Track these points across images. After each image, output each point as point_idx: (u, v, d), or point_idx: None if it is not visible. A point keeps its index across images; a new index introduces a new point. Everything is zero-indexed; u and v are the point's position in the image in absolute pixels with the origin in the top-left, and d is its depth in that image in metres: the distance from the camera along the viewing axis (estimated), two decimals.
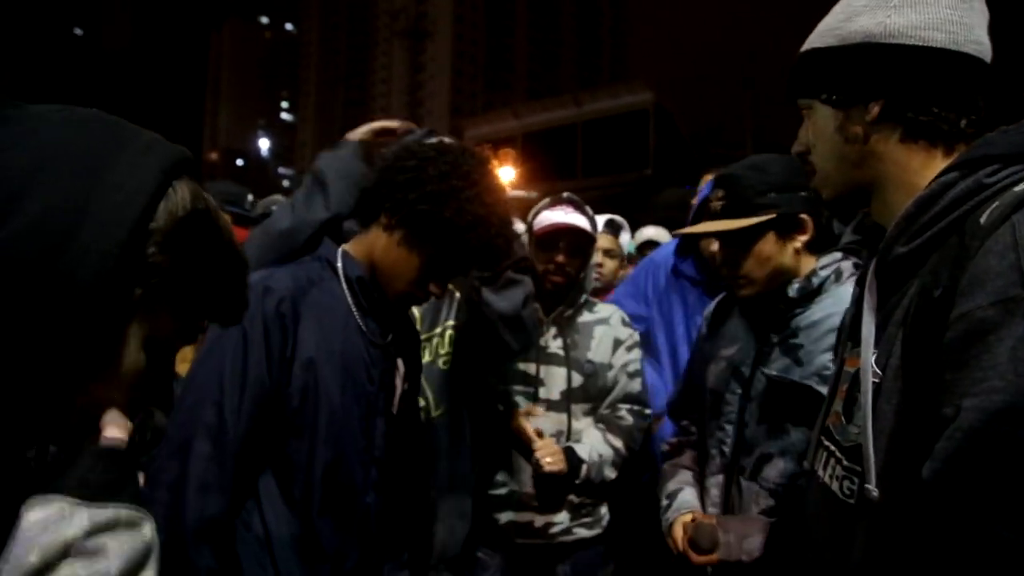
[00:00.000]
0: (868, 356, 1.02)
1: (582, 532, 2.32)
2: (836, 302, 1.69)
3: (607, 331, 2.40)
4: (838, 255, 1.77)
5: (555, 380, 2.33)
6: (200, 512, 1.36)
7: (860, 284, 1.13)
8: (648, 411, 2.43)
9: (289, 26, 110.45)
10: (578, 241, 2.32)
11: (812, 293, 1.74)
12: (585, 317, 2.41)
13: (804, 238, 1.74)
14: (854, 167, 1.10)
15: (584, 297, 2.41)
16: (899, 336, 0.98)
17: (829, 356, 1.60)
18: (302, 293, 1.52)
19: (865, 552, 1.01)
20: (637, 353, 2.45)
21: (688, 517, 1.84)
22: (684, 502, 1.88)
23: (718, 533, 1.72)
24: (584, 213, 2.35)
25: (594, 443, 2.29)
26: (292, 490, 1.48)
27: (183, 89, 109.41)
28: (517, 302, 2.07)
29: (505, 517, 2.28)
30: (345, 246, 1.65)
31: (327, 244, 1.67)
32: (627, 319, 2.48)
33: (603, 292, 3.17)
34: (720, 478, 1.82)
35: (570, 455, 2.23)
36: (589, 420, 2.37)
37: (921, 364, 0.93)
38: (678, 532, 1.82)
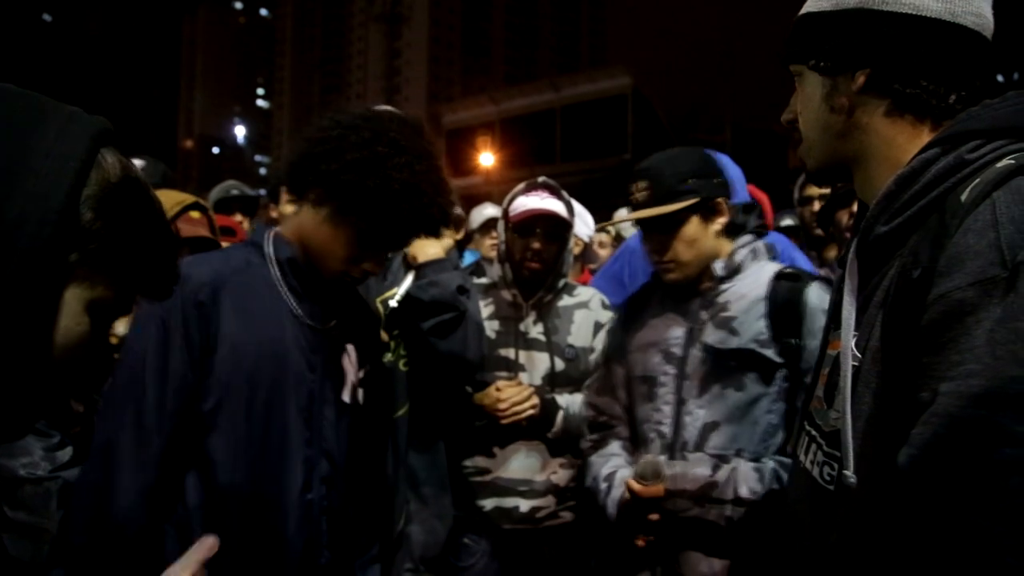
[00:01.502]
0: (848, 339, 1.00)
1: (568, 516, 2.31)
2: (757, 277, 1.86)
3: (587, 315, 2.39)
4: (750, 236, 1.92)
5: (537, 365, 2.31)
6: (124, 516, 1.32)
7: (841, 265, 1.11)
8: None
9: (264, 11, 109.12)
10: (554, 226, 2.30)
11: (735, 270, 1.88)
12: (565, 301, 2.39)
13: (723, 220, 1.88)
14: (838, 138, 1.07)
15: (563, 281, 2.39)
16: (879, 318, 0.96)
17: (763, 323, 1.78)
18: (223, 281, 1.45)
19: (842, 538, 0.99)
20: None
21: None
22: (624, 476, 1.89)
23: (661, 465, 1.80)
24: (560, 198, 2.33)
25: (575, 399, 2.29)
26: (215, 488, 1.40)
27: (156, 76, 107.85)
28: (459, 342, 2.08)
29: (489, 504, 2.27)
30: (276, 228, 1.58)
31: (259, 228, 1.61)
32: (607, 301, 2.46)
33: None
34: (664, 458, 1.85)
35: (547, 402, 2.24)
36: None
37: (900, 347, 0.91)
38: (631, 480, 1.83)
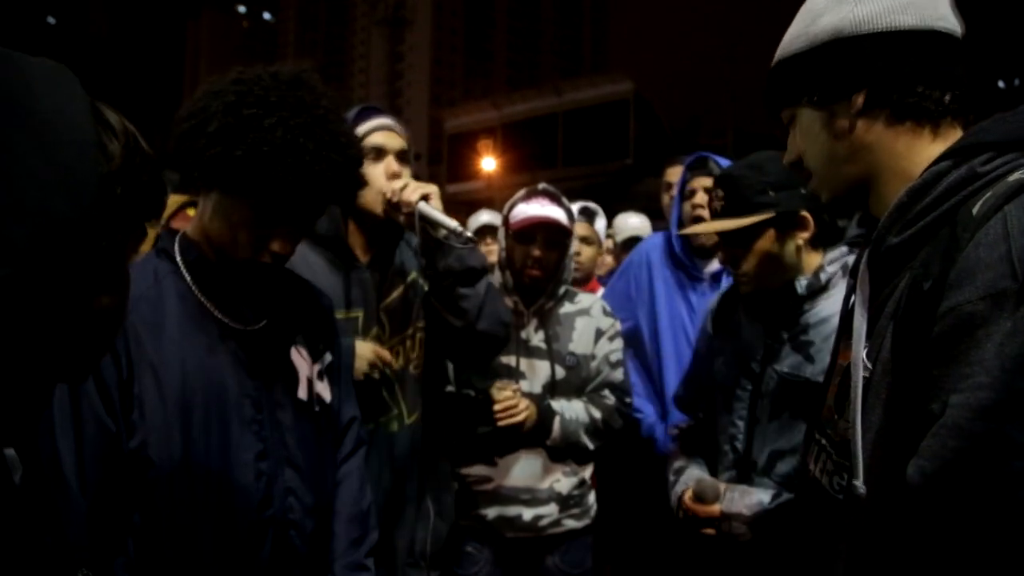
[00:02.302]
0: (859, 350, 1.00)
1: (571, 523, 2.31)
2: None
3: (588, 321, 2.38)
4: (844, 249, 1.77)
5: (537, 373, 2.31)
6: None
7: (853, 275, 1.12)
8: (629, 399, 2.42)
9: (267, 15, 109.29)
10: (555, 234, 2.28)
11: (820, 289, 1.74)
12: (566, 308, 2.39)
13: (805, 235, 1.75)
14: (846, 163, 1.09)
15: (564, 288, 2.38)
16: (889, 330, 0.96)
17: None
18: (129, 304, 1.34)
19: (851, 547, 1.00)
20: (619, 343, 2.44)
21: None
22: (692, 475, 1.89)
23: (720, 488, 1.75)
24: (560, 205, 2.32)
25: (572, 405, 2.29)
26: (159, 527, 1.28)
27: (160, 79, 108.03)
28: (467, 314, 1.93)
29: (492, 512, 2.26)
30: (184, 229, 1.44)
31: (163, 234, 1.44)
32: (608, 308, 2.46)
33: (583, 282, 3.14)
34: (733, 473, 1.81)
35: (543, 408, 2.24)
36: None
37: (910, 358, 0.91)
38: (686, 494, 1.83)
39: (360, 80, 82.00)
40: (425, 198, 1.81)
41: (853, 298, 1.07)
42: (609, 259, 4.16)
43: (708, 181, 2.56)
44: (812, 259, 1.77)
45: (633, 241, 3.98)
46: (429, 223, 1.83)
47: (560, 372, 2.31)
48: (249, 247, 1.35)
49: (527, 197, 2.34)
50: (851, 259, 1.75)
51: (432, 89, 72.55)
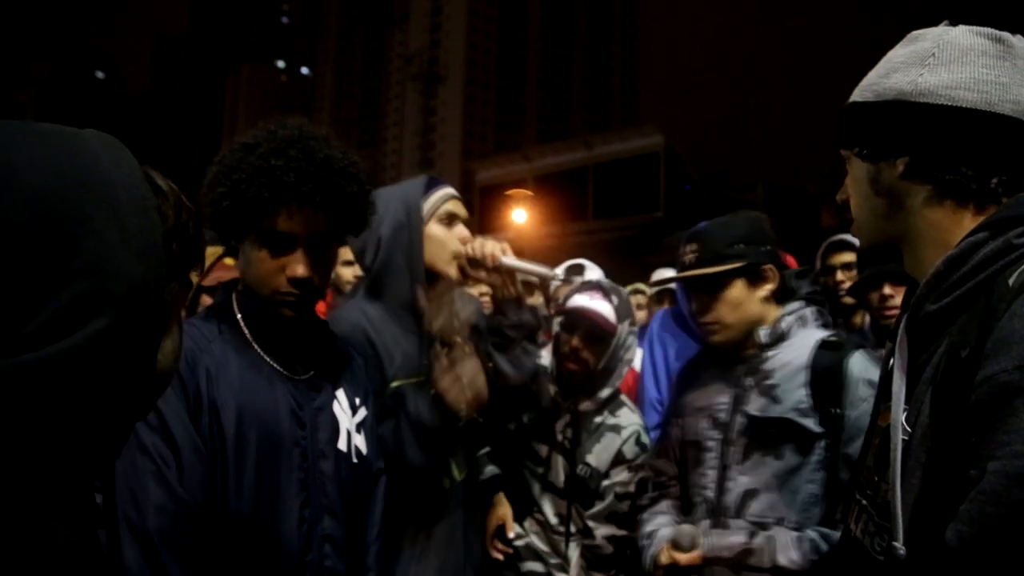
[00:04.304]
0: (898, 413, 1.02)
1: None
2: (803, 344, 1.85)
3: (614, 440, 2.30)
4: (799, 303, 1.92)
5: (559, 469, 2.31)
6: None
7: (892, 339, 1.14)
8: (624, 533, 2.32)
9: (305, 70, 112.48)
10: (596, 328, 2.24)
11: (780, 337, 1.89)
12: (603, 418, 2.32)
13: (770, 287, 1.90)
14: (885, 219, 1.11)
15: (609, 392, 2.30)
16: (928, 395, 0.98)
17: (803, 392, 1.78)
18: (200, 349, 1.40)
19: None
20: (636, 475, 2.34)
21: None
22: (664, 535, 1.91)
23: (698, 534, 1.81)
24: (609, 301, 2.27)
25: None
26: (206, 564, 1.31)
27: (201, 131, 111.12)
28: (526, 370, 1.99)
29: (525, 567, 2.29)
30: (225, 278, 1.58)
31: (221, 291, 1.56)
32: (644, 438, 2.34)
33: None
34: (707, 523, 1.87)
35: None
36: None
37: (948, 424, 0.93)
38: (663, 550, 1.86)
39: (394, 132, 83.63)
40: (503, 252, 1.90)
41: (892, 361, 1.09)
42: (641, 315, 4.16)
43: None
44: (772, 311, 1.91)
45: (666, 293, 4.00)
46: (515, 272, 1.91)
47: (575, 475, 2.29)
48: (269, 278, 1.44)
49: (581, 289, 2.34)
50: (807, 311, 1.90)
51: (464, 142, 73.69)
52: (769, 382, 1.84)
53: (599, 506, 2.27)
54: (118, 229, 0.65)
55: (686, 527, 1.84)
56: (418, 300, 1.90)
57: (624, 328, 2.27)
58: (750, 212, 2.02)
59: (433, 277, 1.92)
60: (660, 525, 1.98)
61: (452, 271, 1.91)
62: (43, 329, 0.60)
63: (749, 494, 1.81)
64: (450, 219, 1.94)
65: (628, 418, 2.35)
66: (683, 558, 1.80)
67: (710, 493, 1.89)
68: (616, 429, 2.31)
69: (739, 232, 1.90)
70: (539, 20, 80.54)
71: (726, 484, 1.86)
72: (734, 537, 1.78)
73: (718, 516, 1.86)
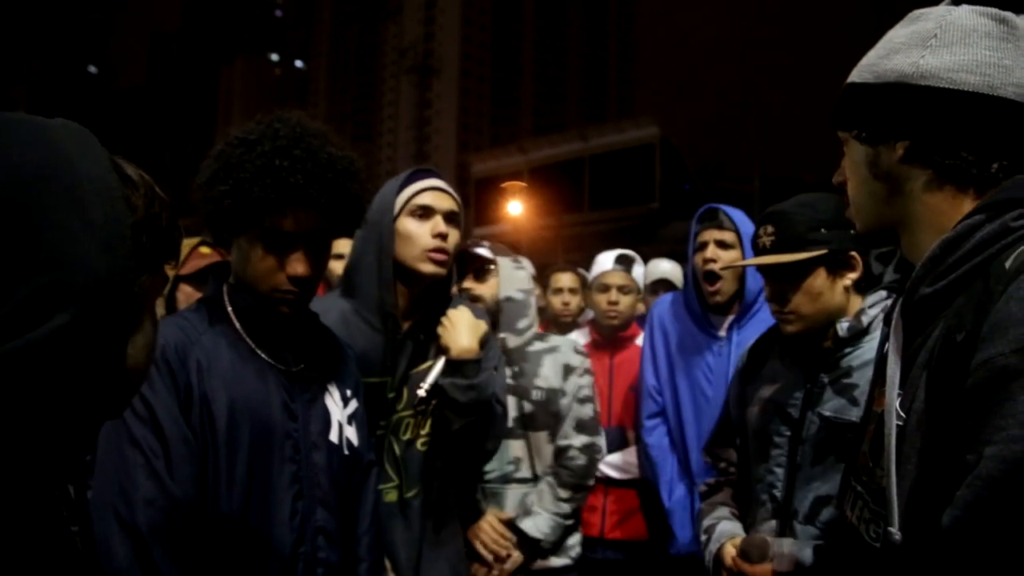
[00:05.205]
0: (893, 398, 1.01)
1: (555, 561, 2.36)
2: None
3: (556, 358, 2.41)
4: (883, 294, 1.75)
5: (508, 410, 2.29)
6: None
7: (887, 323, 1.13)
8: (599, 439, 2.47)
9: (299, 62, 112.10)
10: (479, 261, 2.37)
11: (862, 332, 1.72)
12: (535, 347, 2.43)
13: (854, 276, 1.73)
14: (883, 203, 1.09)
15: (533, 330, 2.44)
16: (923, 379, 0.97)
17: None
18: (190, 341, 1.40)
19: None
20: (588, 379, 2.46)
21: (736, 540, 1.80)
22: (725, 531, 1.86)
23: (769, 546, 1.69)
24: (487, 248, 2.42)
25: (545, 506, 2.30)
26: (199, 557, 1.32)
27: (194, 125, 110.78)
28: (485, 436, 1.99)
29: None
30: (228, 280, 1.54)
31: (213, 284, 1.55)
32: (580, 347, 2.50)
33: (622, 329, 3.11)
34: (773, 523, 1.77)
35: (523, 539, 2.27)
36: (550, 448, 2.38)
37: (944, 409, 0.92)
38: (728, 552, 1.78)
39: (389, 126, 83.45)
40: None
41: (887, 345, 1.08)
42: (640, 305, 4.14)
43: (719, 234, 2.55)
44: (854, 302, 1.75)
45: (661, 284, 3.97)
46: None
47: (527, 407, 2.34)
48: (269, 275, 1.44)
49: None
50: (890, 303, 1.74)
51: (459, 135, 73.58)
52: (848, 380, 1.69)
53: (567, 421, 2.38)
54: (81, 220, 0.63)
55: (757, 537, 1.73)
56: (386, 299, 1.85)
57: (506, 260, 2.42)
58: (829, 194, 1.77)
59: (410, 274, 1.88)
60: (719, 518, 1.90)
61: (425, 267, 1.85)
62: (2, 324, 0.58)
63: (821, 501, 1.68)
64: (424, 212, 1.87)
65: (557, 339, 2.51)
66: (751, 571, 1.70)
67: (778, 493, 1.76)
68: (552, 349, 2.44)
69: (823, 215, 1.71)
70: (534, 12, 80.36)
71: (796, 486, 1.73)
72: (807, 550, 1.64)
73: (786, 520, 1.74)
